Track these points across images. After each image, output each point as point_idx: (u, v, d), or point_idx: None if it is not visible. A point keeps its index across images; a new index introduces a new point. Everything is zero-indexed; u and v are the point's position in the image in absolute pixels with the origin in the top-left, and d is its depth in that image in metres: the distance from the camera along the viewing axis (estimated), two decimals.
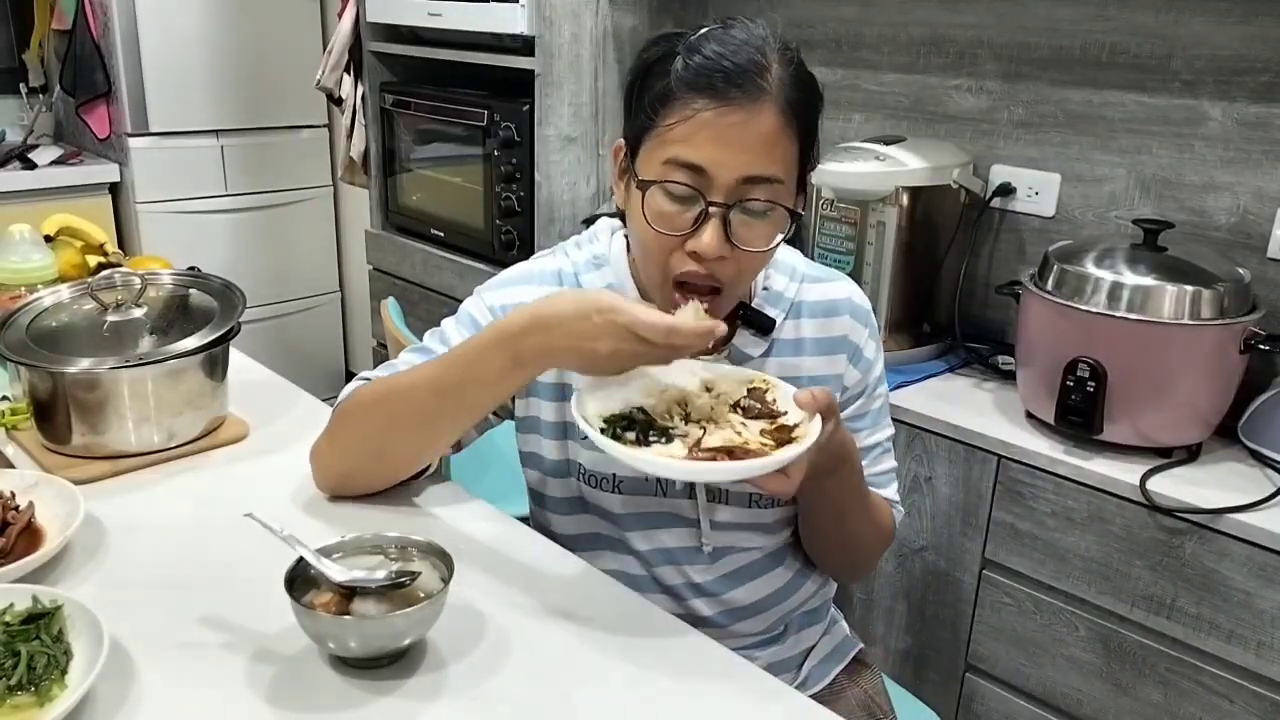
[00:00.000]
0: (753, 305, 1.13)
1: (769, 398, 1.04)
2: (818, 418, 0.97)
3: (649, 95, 1.00)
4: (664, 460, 0.95)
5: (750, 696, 0.91)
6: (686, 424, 1.01)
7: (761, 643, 1.22)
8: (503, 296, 1.14)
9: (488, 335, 1.02)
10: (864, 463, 1.19)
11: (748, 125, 0.96)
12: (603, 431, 0.97)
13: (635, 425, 1.00)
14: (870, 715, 1.28)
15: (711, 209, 0.98)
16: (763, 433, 1.00)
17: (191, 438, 1.29)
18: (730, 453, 0.95)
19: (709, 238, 0.98)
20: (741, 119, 0.95)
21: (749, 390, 1.05)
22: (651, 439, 0.99)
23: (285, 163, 3.48)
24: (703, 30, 1.00)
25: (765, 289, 1.15)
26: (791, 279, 1.16)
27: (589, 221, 1.21)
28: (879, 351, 1.20)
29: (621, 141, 1.07)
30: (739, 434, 0.99)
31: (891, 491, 1.23)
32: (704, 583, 1.16)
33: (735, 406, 1.03)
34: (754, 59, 0.96)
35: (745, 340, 1.13)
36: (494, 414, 1.17)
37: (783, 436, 0.99)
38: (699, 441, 0.97)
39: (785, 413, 1.02)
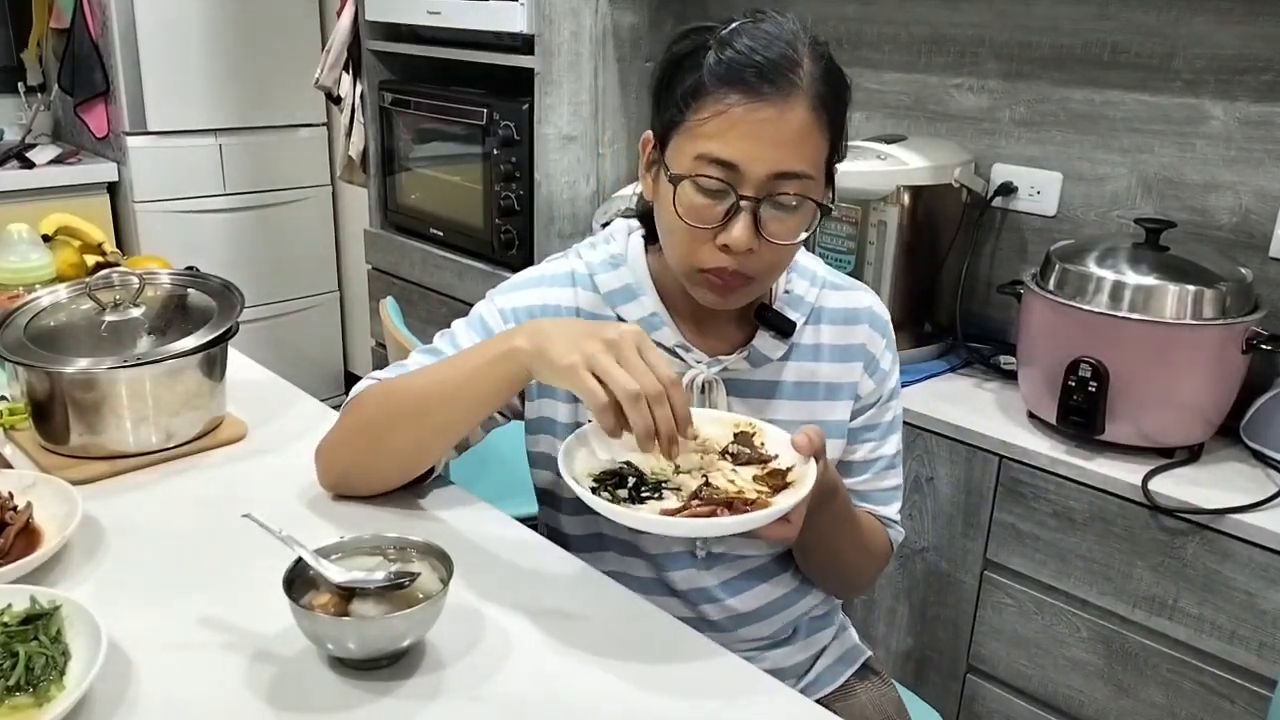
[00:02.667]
0: (774, 308, 1.13)
1: (757, 442, 1.04)
2: (812, 461, 0.97)
3: (680, 89, 1.00)
4: (664, 519, 0.94)
5: (751, 699, 0.91)
6: (677, 474, 1.00)
7: (770, 645, 1.22)
8: (514, 299, 1.14)
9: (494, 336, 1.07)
10: (867, 476, 1.19)
11: (780, 121, 0.96)
12: (594, 491, 0.97)
13: (625, 481, 0.99)
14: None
15: (743, 203, 0.98)
16: (755, 479, 0.99)
17: (190, 438, 1.28)
18: (730, 504, 0.94)
19: (739, 231, 0.98)
20: (773, 115, 0.95)
21: (736, 435, 1.04)
22: (644, 494, 0.98)
23: (284, 162, 3.48)
24: (734, 24, 1.00)
25: (786, 292, 1.14)
26: (813, 284, 1.16)
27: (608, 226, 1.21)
28: (895, 364, 1.20)
29: (649, 134, 1.07)
30: (732, 482, 0.98)
31: (892, 510, 1.22)
32: (708, 588, 1.16)
33: (724, 453, 1.02)
34: (786, 54, 0.96)
35: (765, 343, 1.13)
36: (501, 414, 1.16)
37: (777, 482, 0.99)
38: (697, 492, 0.96)
39: (776, 456, 1.02)
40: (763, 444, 1.03)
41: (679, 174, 1.00)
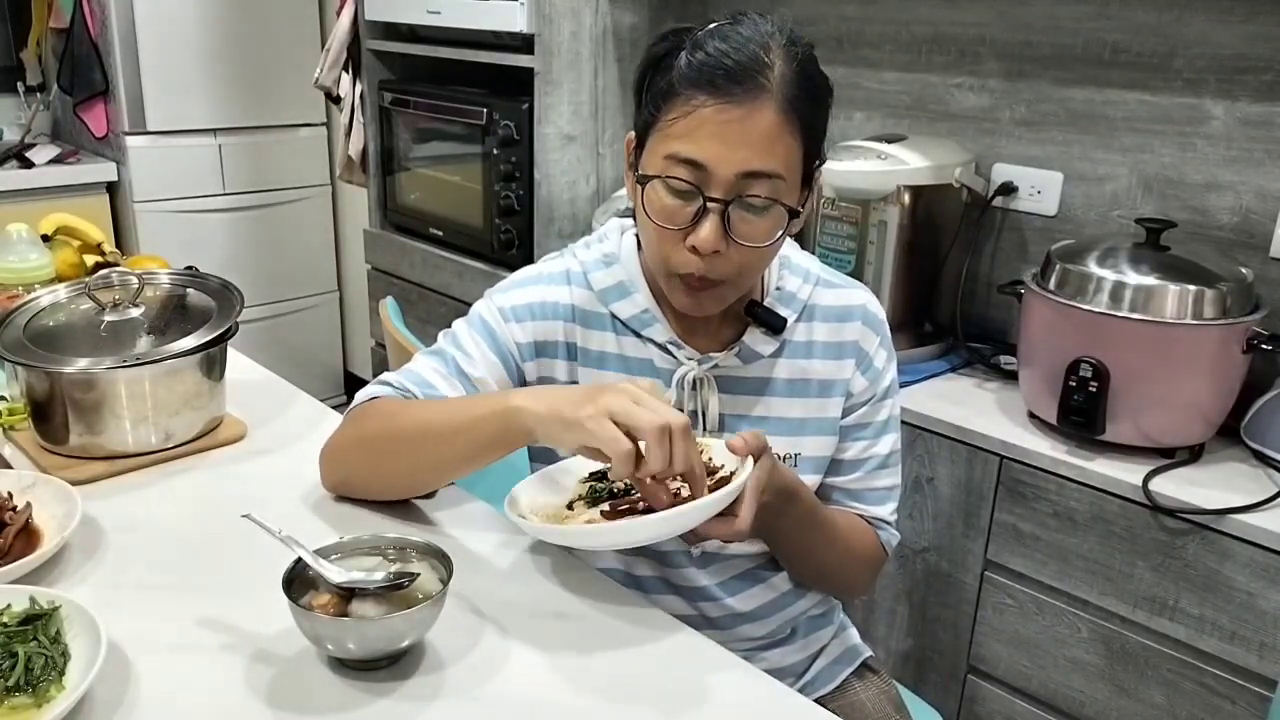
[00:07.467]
0: (764, 304, 1.13)
1: (705, 458, 1.04)
2: (749, 459, 0.97)
3: (653, 90, 1.01)
4: (583, 528, 0.96)
5: (748, 696, 0.91)
6: (630, 494, 1.02)
7: (768, 644, 1.22)
8: (512, 298, 1.14)
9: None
10: (858, 474, 1.19)
11: (747, 121, 0.96)
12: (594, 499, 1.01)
13: (612, 492, 1.01)
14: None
15: (710, 204, 0.98)
16: (707, 489, 0.99)
17: (189, 438, 1.28)
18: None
19: (706, 233, 0.98)
20: (741, 115, 0.96)
21: None
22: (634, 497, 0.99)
23: (283, 162, 3.48)
24: (710, 26, 1.00)
25: (778, 289, 1.14)
26: (805, 281, 1.16)
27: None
28: (890, 362, 1.19)
29: (632, 134, 1.07)
30: (678, 494, 0.99)
31: (885, 511, 1.21)
32: (706, 586, 1.16)
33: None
34: (756, 55, 0.97)
35: (756, 339, 1.12)
36: None
37: (721, 486, 0.99)
38: (638, 507, 0.97)
39: (722, 466, 1.02)
40: (710, 459, 1.04)
41: (648, 174, 1.01)
